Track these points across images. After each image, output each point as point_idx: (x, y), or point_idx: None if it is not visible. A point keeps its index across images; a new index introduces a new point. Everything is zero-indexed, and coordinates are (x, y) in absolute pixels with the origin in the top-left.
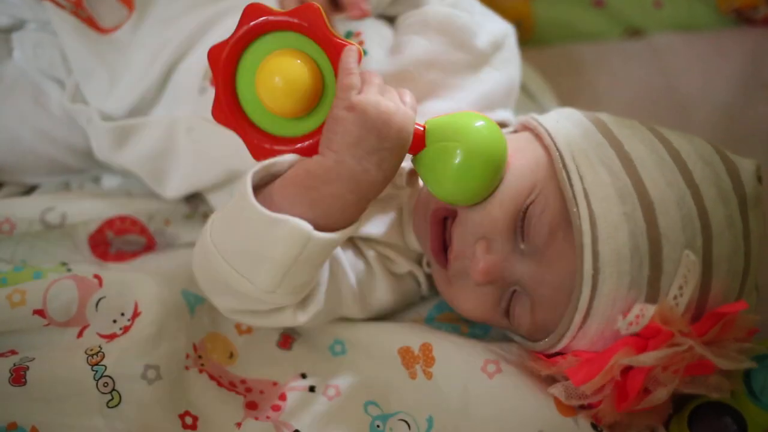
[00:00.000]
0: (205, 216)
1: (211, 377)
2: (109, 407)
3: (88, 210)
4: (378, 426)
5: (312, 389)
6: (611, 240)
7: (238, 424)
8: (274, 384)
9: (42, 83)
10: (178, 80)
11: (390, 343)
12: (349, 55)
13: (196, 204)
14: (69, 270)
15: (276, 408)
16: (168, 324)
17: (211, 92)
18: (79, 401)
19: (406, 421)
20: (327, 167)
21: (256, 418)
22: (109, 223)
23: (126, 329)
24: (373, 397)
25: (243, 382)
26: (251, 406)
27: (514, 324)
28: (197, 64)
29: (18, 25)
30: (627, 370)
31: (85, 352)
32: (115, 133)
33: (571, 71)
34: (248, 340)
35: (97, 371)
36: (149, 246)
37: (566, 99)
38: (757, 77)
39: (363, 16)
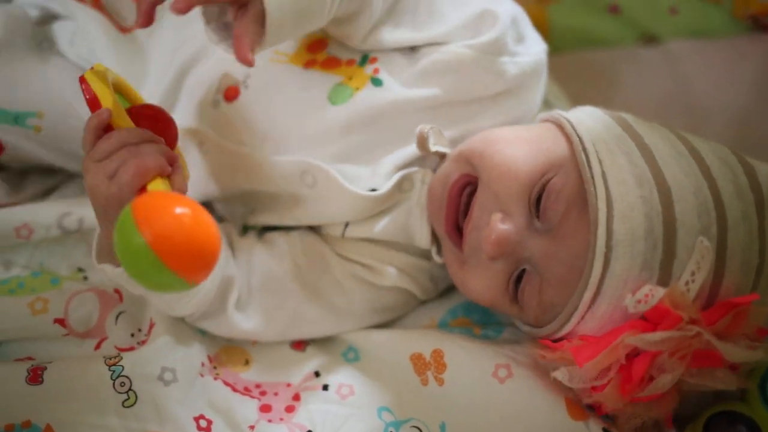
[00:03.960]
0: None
1: (226, 383)
2: (125, 407)
3: None
4: None
5: (326, 388)
6: (626, 220)
7: (252, 427)
8: (288, 385)
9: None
10: (191, 86)
11: (402, 350)
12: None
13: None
14: (86, 278)
15: (290, 409)
16: (182, 334)
17: (224, 106)
18: (95, 400)
19: (419, 428)
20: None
21: (270, 421)
22: None
23: (143, 343)
24: (387, 403)
25: (258, 386)
26: (265, 408)
27: (522, 305)
28: (209, 72)
29: (52, 18)
30: (633, 355)
31: (103, 356)
32: None
33: (586, 78)
34: (263, 346)
35: (114, 371)
36: None
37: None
38: None
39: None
